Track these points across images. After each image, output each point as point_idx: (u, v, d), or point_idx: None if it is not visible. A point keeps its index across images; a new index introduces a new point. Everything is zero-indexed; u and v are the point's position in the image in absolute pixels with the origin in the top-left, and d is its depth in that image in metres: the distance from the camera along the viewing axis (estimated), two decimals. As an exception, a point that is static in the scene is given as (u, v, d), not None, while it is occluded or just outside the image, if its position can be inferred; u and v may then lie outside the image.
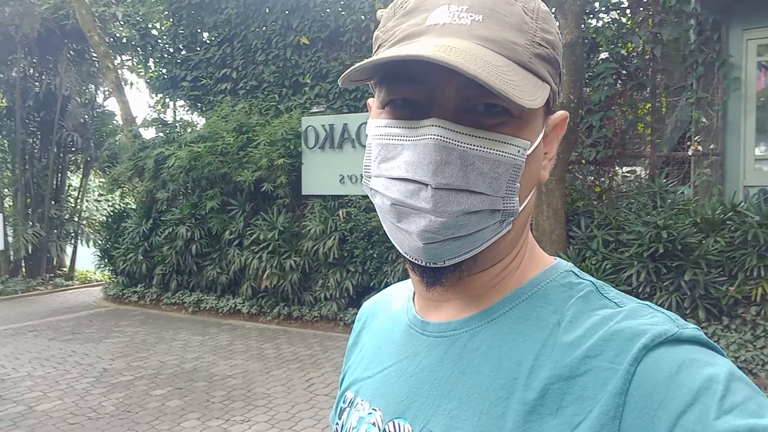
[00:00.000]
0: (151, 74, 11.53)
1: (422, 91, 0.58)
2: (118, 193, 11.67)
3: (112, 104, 15.11)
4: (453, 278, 0.63)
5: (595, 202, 7.12)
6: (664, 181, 6.70)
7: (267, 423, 4.61)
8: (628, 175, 7.63)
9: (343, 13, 8.82)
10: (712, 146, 6.78)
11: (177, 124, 10.65)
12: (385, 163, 0.60)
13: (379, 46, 0.64)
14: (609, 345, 0.53)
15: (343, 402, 0.76)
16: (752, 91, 6.58)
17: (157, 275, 9.36)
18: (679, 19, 6.96)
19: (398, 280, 6.60)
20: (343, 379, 0.81)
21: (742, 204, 5.93)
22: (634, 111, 7.61)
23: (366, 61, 0.56)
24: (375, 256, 7.58)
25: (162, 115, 11.01)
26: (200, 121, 10.70)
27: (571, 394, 0.53)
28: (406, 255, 0.62)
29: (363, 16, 8.64)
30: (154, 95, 11.59)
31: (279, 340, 7.26)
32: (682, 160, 7.42)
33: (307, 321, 8.04)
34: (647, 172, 7.42)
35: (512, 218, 0.60)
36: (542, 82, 0.58)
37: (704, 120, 6.81)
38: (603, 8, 7.63)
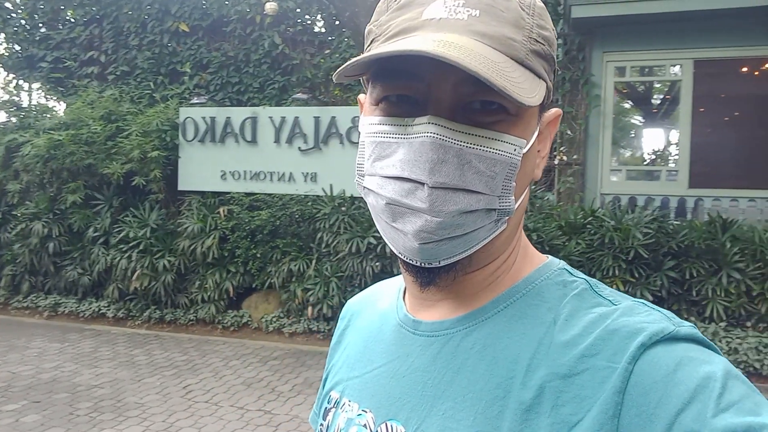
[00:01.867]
0: (4, 51, 10.26)
1: (418, 87, 0.56)
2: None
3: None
4: (448, 278, 0.62)
5: (472, 206, 7.50)
6: (533, 187, 7.22)
7: (141, 434, 4.29)
8: (503, 181, 8.13)
9: (227, 2, 8.47)
10: (575, 156, 7.42)
11: (33, 109, 9.58)
12: (380, 162, 0.58)
13: (372, 41, 0.62)
14: (606, 344, 0.53)
15: (328, 402, 0.73)
16: (610, 108, 7.31)
17: (5, 276, 8.37)
18: (550, 37, 7.55)
19: (282, 281, 6.38)
20: (326, 379, 0.77)
21: (600, 210, 6.56)
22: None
23: (363, 56, 0.53)
24: (258, 255, 7.35)
25: (15, 98, 9.84)
26: (61, 107, 9.72)
27: (568, 393, 0.53)
28: (400, 255, 0.60)
29: (248, 8, 8.35)
30: (5, 74, 10.33)
31: (150, 346, 6.80)
32: (549, 168, 8.05)
33: (181, 325, 7.60)
34: (519, 178, 7.95)
35: (507, 217, 0.60)
36: (539, 79, 0.58)
37: (569, 132, 7.44)
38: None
